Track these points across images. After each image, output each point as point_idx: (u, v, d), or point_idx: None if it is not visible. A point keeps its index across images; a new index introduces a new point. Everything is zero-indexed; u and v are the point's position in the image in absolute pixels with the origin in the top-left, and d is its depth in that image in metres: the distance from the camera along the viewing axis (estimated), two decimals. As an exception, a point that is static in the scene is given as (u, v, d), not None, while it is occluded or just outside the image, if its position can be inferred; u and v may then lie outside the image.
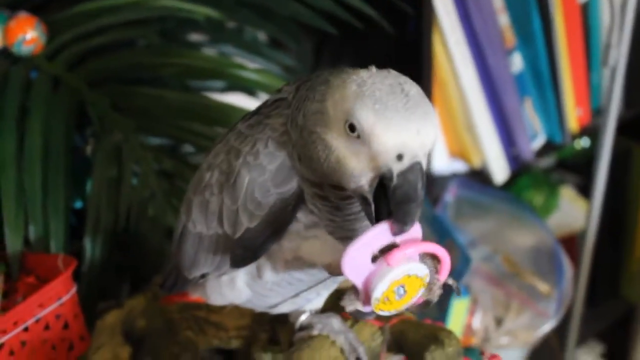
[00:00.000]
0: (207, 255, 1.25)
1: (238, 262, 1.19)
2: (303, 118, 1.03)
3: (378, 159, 0.95)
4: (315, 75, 1.09)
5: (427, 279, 1.02)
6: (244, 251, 1.17)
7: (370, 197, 0.98)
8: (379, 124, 0.93)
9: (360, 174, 0.97)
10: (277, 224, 1.13)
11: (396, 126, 0.93)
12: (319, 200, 1.08)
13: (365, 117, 0.94)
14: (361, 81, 0.97)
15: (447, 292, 2.20)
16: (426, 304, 1.07)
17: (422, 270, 1.01)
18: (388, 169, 0.95)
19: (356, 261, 1.00)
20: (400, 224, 0.96)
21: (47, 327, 1.46)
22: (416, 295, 1.03)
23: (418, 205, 0.96)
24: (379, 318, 1.30)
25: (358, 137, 0.95)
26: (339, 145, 0.98)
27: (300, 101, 1.06)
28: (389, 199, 0.96)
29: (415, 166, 0.95)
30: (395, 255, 0.98)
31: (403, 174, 0.94)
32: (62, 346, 1.50)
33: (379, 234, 0.99)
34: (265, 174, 1.10)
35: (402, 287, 1.00)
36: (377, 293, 1.00)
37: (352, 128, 0.95)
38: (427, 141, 0.95)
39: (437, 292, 1.05)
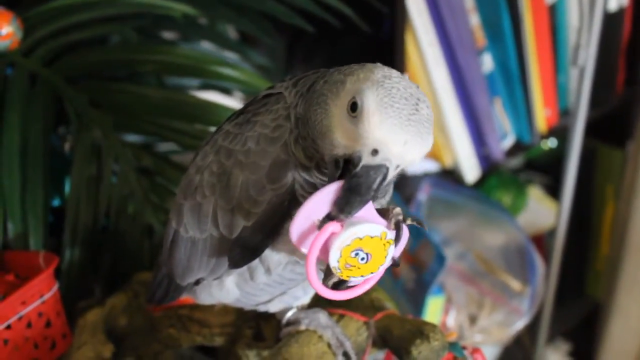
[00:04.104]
0: (202, 259, 1.23)
1: (237, 262, 1.17)
2: (323, 84, 1.05)
3: (357, 142, 0.98)
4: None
5: (388, 236, 1.02)
6: (242, 251, 1.15)
7: (341, 163, 1.01)
8: (376, 114, 0.96)
9: (338, 146, 1.00)
10: (274, 219, 1.12)
11: (389, 126, 0.96)
12: (308, 188, 1.09)
13: (369, 102, 0.96)
14: (388, 75, 0.99)
15: (422, 289, 2.22)
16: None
17: (375, 230, 1.01)
18: (358, 155, 0.97)
19: (303, 230, 1.02)
20: (339, 208, 0.99)
21: (29, 325, 1.45)
22: (387, 256, 1.03)
23: (362, 202, 0.99)
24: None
25: (355, 117, 0.97)
26: (335, 114, 1.00)
27: (322, 75, 1.08)
28: (345, 181, 0.99)
29: (381, 168, 0.97)
30: (333, 223, 1.00)
31: (367, 167, 0.97)
32: (44, 344, 1.48)
33: (321, 200, 1.01)
34: (259, 171, 1.10)
35: (361, 250, 1.00)
36: (332, 262, 1.01)
37: (353, 107, 0.97)
38: (408, 156, 0.98)
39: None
